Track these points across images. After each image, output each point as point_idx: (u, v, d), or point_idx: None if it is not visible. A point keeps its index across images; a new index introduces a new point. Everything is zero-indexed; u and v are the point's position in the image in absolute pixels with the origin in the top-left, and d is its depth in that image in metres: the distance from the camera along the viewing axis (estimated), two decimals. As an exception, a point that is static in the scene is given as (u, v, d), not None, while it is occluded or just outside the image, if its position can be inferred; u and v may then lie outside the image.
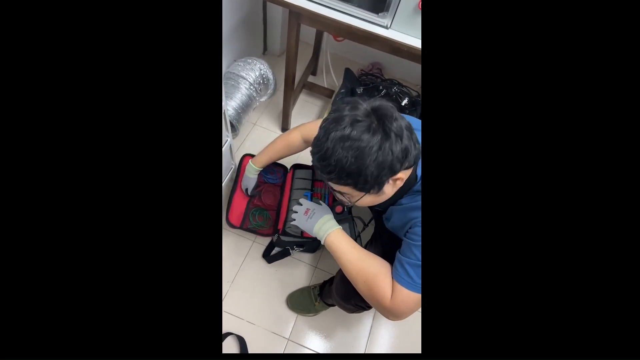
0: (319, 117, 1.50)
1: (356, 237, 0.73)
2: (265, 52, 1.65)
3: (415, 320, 1.11)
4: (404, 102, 1.18)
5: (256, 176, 1.02)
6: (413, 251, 0.58)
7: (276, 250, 1.14)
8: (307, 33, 1.56)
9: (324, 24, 0.91)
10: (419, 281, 0.57)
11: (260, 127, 1.44)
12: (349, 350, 1.05)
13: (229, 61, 1.34)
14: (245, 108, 1.30)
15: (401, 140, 0.50)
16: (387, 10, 0.86)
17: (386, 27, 0.89)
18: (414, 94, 1.28)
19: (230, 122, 1.26)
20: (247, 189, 1.07)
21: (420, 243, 0.57)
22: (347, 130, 0.49)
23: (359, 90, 1.21)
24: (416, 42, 0.87)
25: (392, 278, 0.60)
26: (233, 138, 1.28)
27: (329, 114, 0.54)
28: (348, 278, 0.66)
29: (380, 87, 1.28)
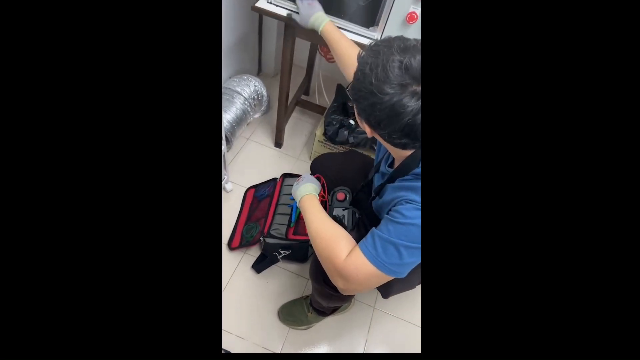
0: (311, 134, 1.53)
1: (353, 226, 0.73)
2: (259, 72, 1.71)
3: (410, 333, 1.07)
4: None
5: (308, 21, 0.90)
6: (388, 227, 0.56)
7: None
8: (300, 57, 1.64)
9: (319, 37, 0.97)
10: (384, 257, 0.54)
11: (253, 141, 1.46)
12: (343, 366, 1.00)
13: (224, 78, 1.39)
14: (239, 122, 1.32)
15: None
16: (377, 24, 0.92)
17: (373, 40, 0.94)
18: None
19: (225, 135, 1.28)
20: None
21: (399, 220, 0.55)
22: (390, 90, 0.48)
23: (351, 104, 1.26)
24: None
25: (357, 244, 0.59)
26: (227, 151, 1.29)
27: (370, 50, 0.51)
28: (312, 241, 0.65)
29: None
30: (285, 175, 1.22)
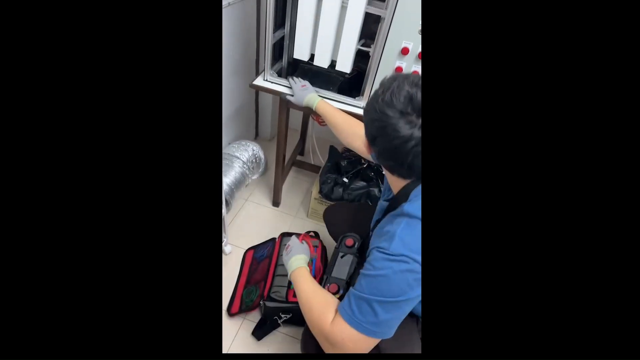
0: (308, 192, 1.58)
1: (348, 277, 0.73)
2: (256, 137, 1.82)
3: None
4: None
5: (302, 101, 1.02)
6: (361, 282, 0.55)
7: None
8: (295, 121, 1.77)
9: (310, 109, 1.07)
10: (359, 317, 0.53)
11: (252, 202, 1.51)
12: None
13: (224, 144, 1.48)
14: (238, 185, 1.38)
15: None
16: (362, 94, 1.03)
17: (362, 108, 1.05)
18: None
19: (224, 198, 1.32)
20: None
21: (369, 273, 0.54)
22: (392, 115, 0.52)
23: (344, 163, 1.33)
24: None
25: (337, 308, 0.58)
26: (226, 213, 1.33)
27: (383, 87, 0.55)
28: (302, 310, 0.65)
29: (362, 161, 1.41)
30: (284, 235, 1.25)
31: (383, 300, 0.52)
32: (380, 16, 0.87)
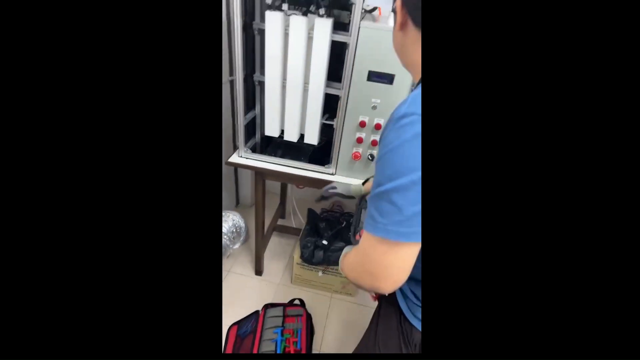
0: (291, 256, 1.58)
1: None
2: (237, 205, 1.86)
3: None
4: (362, 230, 1.34)
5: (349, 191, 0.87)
6: (376, 175, 0.44)
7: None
8: (274, 185, 1.83)
9: (284, 178, 1.14)
10: (382, 219, 0.42)
11: (234, 273, 1.49)
12: None
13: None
14: (219, 256, 1.38)
15: None
16: (331, 162, 1.11)
17: (332, 174, 1.12)
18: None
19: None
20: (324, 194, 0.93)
21: (378, 156, 0.43)
22: None
23: (322, 225, 1.37)
24: (355, 181, 1.09)
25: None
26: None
27: None
28: (354, 279, 0.53)
29: (340, 220, 1.45)
30: (267, 306, 1.22)
31: (401, 185, 0.40)
32: (338, 95, 0.99)
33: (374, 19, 0.98)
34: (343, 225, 1.41)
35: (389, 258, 0.44)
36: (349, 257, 0.52)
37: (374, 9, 1.04)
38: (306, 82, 1.00)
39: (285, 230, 1.66)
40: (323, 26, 0.89)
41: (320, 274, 1.36)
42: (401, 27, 0.47)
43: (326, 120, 1.10)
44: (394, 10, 0.50)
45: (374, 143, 1.02)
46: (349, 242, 1.34)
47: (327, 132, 1.14)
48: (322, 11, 0.90)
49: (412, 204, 0.40)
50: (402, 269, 0.44)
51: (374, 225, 0.43)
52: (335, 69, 0.98)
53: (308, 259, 1.28)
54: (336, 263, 1.33)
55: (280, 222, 1.75)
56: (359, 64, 0.91)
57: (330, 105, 1.08)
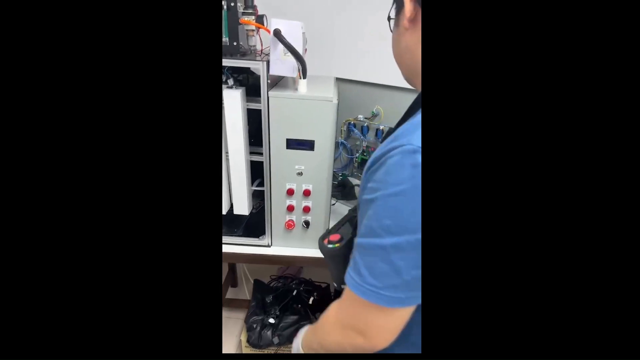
0: (242, 333, 1.41)
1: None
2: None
3: None
4: (311, 299, 1.21)
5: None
6: (364, 221, 0.35)
7: None
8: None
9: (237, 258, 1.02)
10: (373, 280, 0.34)
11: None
12: None
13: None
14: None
15: None
16: (265, 233, 1.01)
17: (268, 246, 1.02)
18: (324, 285, 1.34)
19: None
20: None
21: (377, 195, 0.33)
22: None
23: (269, 299, 1.23)
24: (293, 251, 1.00)
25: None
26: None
27: None
28: (325, 346, 0.48)
29: (293, 287, 1.32)
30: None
31: (406, 243, 0.32)
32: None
33: (294, 83, 0.94)
34: (294, 293, 1.28)
35: (379, 321, 0.37)
36: (329, 316, 0.44)
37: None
38: (227, 152, 0.93)
39: (234, 304, 1.50)
40: (233, 97, 0.84)
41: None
42: (410, 23, 0.40)
43: (256, 187, 1.02)
44: (389, 19, 0.46)
45: (305, 209, 0.95)
46: (299, 313, 1.21)
47: (261, 200, 1.05)
48: (230, 82, 0.86)
49: (413, 267, 0.33)
50: (397, 328, 0.38)
51: (360, 286, 0.36)
52: (261, 134, 0.93)
53: (255, 343, 1.13)
54: (289, 341, 1.18)
55: (230, 293, 1.59)
56: (275, 131, 0.87)
57: (261, 172, 1.01)
